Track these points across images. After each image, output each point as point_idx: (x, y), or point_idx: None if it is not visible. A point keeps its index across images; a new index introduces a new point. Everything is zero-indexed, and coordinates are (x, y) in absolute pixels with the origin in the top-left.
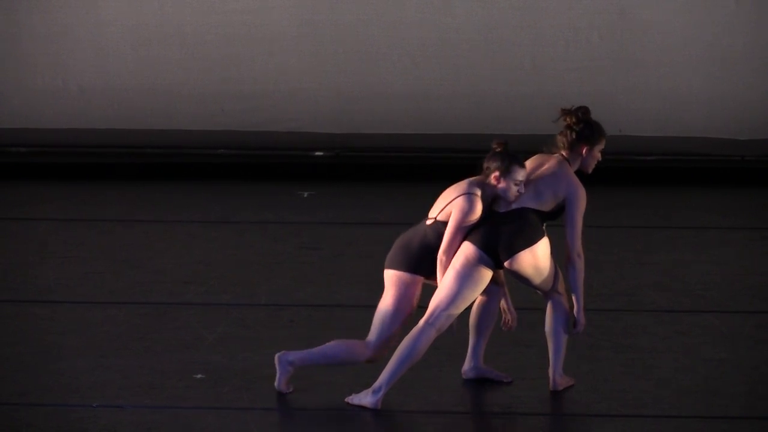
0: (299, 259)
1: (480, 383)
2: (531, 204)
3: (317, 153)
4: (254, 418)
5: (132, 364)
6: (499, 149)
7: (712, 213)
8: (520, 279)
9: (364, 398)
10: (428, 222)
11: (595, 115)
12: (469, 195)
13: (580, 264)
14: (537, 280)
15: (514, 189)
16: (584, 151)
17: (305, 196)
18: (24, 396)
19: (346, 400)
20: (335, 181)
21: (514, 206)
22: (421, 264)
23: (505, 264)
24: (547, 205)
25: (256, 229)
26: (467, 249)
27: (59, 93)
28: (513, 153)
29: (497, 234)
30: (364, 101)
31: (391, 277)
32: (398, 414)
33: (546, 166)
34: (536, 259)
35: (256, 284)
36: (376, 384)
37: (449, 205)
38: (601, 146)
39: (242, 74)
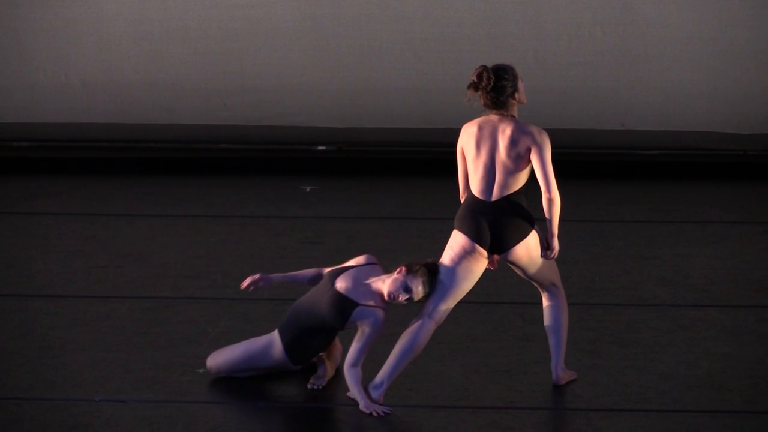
0: (302, 253)
1: (482, 377)
2: (513, 187)
3: (320, 147)
4: (257, 413)
5: (135, 358)
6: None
7: (714, 207)
8: (516, 268)
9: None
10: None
11: (597, 110)
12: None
13: (557, 200)
14: (533, 269)
15: (400, 297)
16: (515, 96)
17: (308, 190)
18: (27, 390)
19: (348, 394)
20: (338, 176)
21: (500, 195)
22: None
23: (500, 256)
24: (524, 173)
25: (259, 224)
26: (461, 240)
27: (62, 87)
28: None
29: (489, 226)
30: (367, 95)
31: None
32: (400, 408)
33: (500, 138)
34: (530, 249)
35: None
36: (378, 379)
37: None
38: (519, 79)
39: (245, 69)
